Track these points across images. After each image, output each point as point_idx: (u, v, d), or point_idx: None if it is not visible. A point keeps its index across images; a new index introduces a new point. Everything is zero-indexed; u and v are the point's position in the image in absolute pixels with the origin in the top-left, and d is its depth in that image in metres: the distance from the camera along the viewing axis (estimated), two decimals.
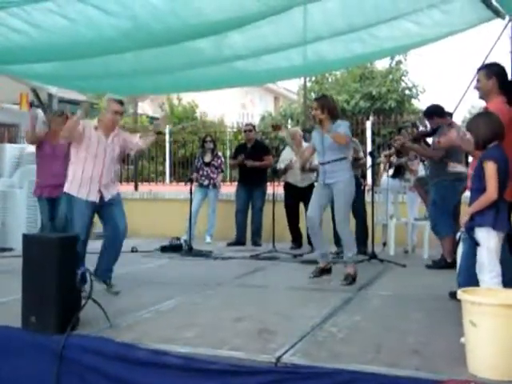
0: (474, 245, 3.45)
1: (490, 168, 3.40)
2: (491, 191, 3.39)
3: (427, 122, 6.27)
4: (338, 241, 7.13)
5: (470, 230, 3.49)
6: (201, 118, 18.16)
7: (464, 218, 3.53)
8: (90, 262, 4.76)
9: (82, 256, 4.59)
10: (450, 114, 6.36)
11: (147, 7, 4.06)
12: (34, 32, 4.35)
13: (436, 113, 6.04)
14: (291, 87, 24.86)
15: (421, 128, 6.60)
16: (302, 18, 4.70)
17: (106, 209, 4.93)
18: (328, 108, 5.33)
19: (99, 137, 4.86)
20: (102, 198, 4.87)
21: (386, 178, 7.38)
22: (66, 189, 4.86)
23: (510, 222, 3.86)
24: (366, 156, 7.59)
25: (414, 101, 19.09)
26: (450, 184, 5.70)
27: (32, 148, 9.23)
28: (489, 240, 3.39)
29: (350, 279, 5.24)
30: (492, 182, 3.38)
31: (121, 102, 5.01)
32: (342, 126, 5.32)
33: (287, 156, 7.77)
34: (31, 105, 9.41)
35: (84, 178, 4.80)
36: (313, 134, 5.66)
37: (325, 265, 5.53)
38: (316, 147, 5.52)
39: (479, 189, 3.46)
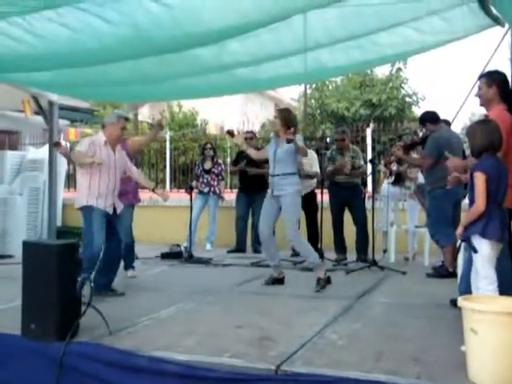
0: (472, 252, 3.44)
1: (478, 179, 3.36)
2: (478, 203, 3.36)
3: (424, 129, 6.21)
4: (338, 248, 7.15)
5: (467, 239, 3.47)
6: (201, 125, 18.14)
7: (459, 228, 3.52)
8: None
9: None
10: (448, 122, 6.32)
11: (148, 16, 4.07)
12: (35, 41, 4.36)
13: (428, 119, 5.93)
14: (292, 94, 24.93)
15: (420, 135, 6.58)
16: (301, 26, 4.71)
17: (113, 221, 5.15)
18: (285, 119, 5.38)
19: (108, 152, 5.09)
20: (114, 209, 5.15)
21: (386, 185, 7.37)
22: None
23: (511, 230, 3.84)
24: (366, 163, 7.58)
25: (414, 108, 19.16)
26: (442, 193, 5.52)
27: (33, 155, 9.30)
28: (480, 248, 3.37)
29: (322, 283, 5.28)
30: (479, 193, 3.35)
31: (127, 119, 5.37)
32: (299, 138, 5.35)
33: None
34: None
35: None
36: (268, 146, 5.73)
37: (278, 274, 5.59)
38: (269, 158, 5.54)
39: (473, 200, 3.43)
